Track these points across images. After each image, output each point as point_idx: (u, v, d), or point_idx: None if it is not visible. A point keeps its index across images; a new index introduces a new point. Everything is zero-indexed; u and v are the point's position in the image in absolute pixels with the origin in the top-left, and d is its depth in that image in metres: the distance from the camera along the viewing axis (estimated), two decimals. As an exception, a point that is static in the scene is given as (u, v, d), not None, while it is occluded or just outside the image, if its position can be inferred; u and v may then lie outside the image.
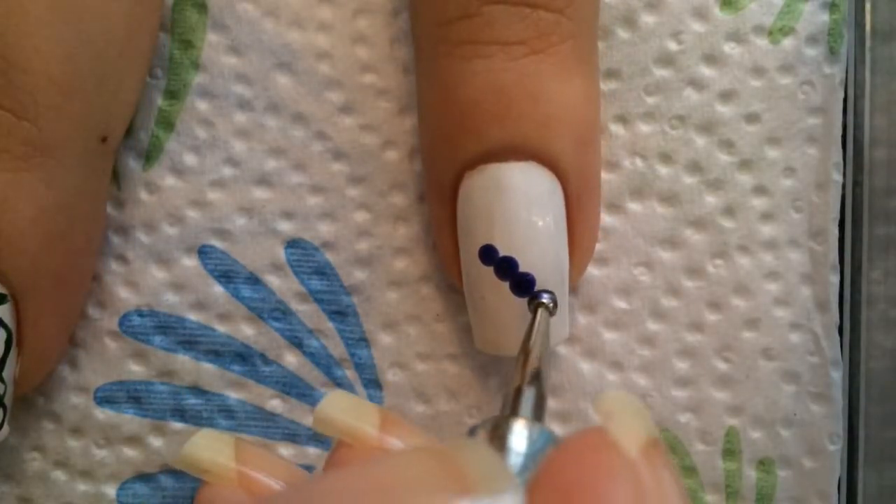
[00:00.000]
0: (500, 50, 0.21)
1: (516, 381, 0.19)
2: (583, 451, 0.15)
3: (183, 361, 0.24)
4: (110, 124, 0.22)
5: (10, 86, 0.20)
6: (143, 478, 0.24)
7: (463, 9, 0.21)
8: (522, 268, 0.21)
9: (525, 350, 0.20)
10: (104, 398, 0.24)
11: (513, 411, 0.18)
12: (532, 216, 0.21)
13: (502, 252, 0.21)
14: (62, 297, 0.23)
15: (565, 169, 0.22)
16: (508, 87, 0.21)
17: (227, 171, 0.24)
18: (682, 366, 0.25)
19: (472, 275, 0.22)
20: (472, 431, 0.16)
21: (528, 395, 0.18)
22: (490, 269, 0.22)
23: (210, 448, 0.20)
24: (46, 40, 0.20)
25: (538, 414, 0.18)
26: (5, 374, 0.21)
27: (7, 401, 0.22)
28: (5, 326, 0.21)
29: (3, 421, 0.22)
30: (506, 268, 0.21)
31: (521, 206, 0.21)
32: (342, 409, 0.19)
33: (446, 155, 0.22)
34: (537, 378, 0.19)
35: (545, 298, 0.21)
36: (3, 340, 0.21)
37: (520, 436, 0.16)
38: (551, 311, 0.21)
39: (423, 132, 0.23)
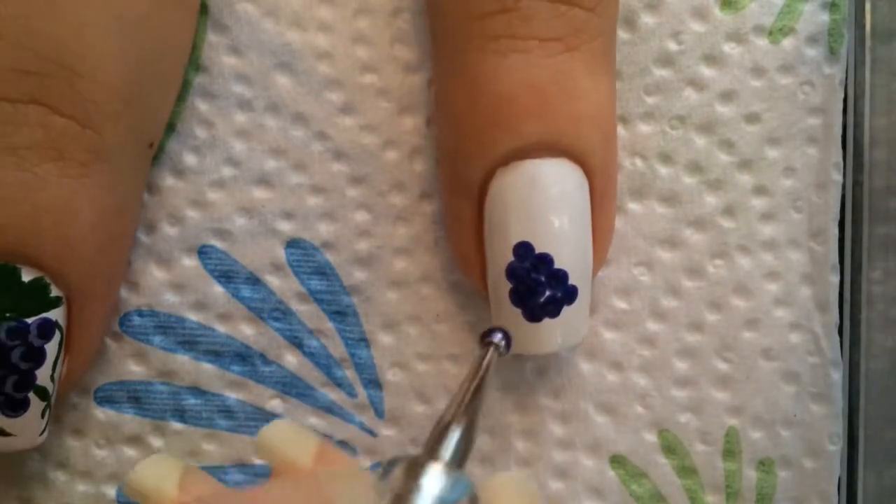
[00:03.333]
0: (538, 45, 0.21)
1: (445, 418, 0.18)
2: None
3: (183, 361, 0.24)
4: (156, 130, 0.23)
5: (76, 95, 0.20)
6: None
7: (500, 3, 0.21)
8: (556, 265, 0.21)
9: (465, 388, 0.19)
10: (104, 398, 0.24)
11: (432, 452, 0.18)
12: (566, 213, 0.22)
13: (537, 249, 0.21)
14: (110, 299, 0.24)
15: (594, 164, 0.22)
16: (544, 83, 0.21)
17: (227, 172, 0.24)
18: (682, 366, 0.25)
19: (500, 273, 0.22)
20: (390, 464, 0.17)
21: (454, 437, 0.18)
22: (521, 266, 0.22)
23: (154, 475, 0.19)
24: (111, 51, 0.21)
25: (462, 457, 0.18)
26: (55, 375, 0.22)
27: (53, 402, 0.22)
28: (60, 328, 0.22)
29: (46, 424, 0.22)
30: (541, 265, 0.21)
31: (556, 203, 0.21)
32: (282, 437, 0.19)
33: (477, 151, 0.22)
34: (470, 419, 0.18)
35: (497, 338, 0.21)
36: (57, 342, 0.21)
37: (433, 480, 0.16)
38: (501, 353, 0.21)
39: (446, 129, 0.23)
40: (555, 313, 0.22)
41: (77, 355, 0.23)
